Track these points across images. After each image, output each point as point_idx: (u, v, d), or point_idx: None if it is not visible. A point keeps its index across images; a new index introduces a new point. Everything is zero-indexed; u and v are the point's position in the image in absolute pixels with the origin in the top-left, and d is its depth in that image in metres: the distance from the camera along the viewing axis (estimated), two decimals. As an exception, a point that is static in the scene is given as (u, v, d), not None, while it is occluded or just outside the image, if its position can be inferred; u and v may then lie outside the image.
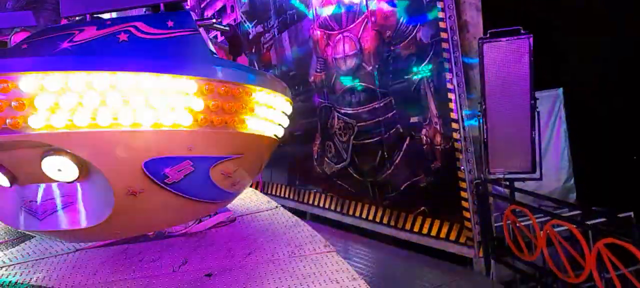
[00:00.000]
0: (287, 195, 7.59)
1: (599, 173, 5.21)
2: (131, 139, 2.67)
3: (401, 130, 5.12)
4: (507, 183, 4.01)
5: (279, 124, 3.44)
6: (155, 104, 2.65)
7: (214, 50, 3.12)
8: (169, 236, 3.61)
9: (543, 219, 3.75)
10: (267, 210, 4.15)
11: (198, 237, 3.60)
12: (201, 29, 2.99)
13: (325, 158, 6.49)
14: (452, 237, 4.66)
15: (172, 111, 2.71)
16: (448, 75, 4.42)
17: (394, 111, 5.18)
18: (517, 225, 3.85)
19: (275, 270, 2.98)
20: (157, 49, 2.74)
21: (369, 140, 5.63)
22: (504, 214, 3.98)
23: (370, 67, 5.38)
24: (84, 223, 2.94)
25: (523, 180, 3.92)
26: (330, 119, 6.25)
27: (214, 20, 3.32)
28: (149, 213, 3.07)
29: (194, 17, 2.99)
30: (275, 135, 3.44)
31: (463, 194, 4.48)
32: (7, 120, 2.47)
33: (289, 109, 3.54)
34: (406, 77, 4.91)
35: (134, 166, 2.74)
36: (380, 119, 5.39)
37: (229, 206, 3.96)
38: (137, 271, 3.10)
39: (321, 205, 6.71)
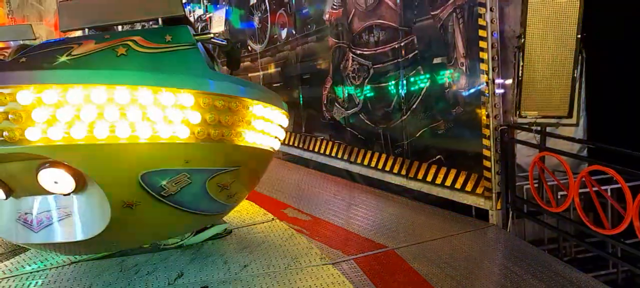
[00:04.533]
0: (291, 143, 7.29)
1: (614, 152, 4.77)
2: (128, 151, 2.66)
3: (422, 73, 4.77)
4: (538, 128, 3.70)
5: (275, 137, 3.44)
6: (153, 117, 2.63)
7: (212, 64, 3.11)
8: (164, 248, 3.57)
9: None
10: (263, 223, 4.15)
11: (194, 249, 3.59)
12: (199, 43, 2.98)
13: (336, 104, 6.16)
14: (469, 187, 4.37)
15: (169, 124, 2.69)
16: (481, 10, 4.04)
17: (416, 51, 4.82)
18: (545, 172, 3.56)
19: (271, 283, 2.99)
20: (155, 62, 2.73)
21: (384, 83, 5.29)
22: (532, 161, 3.68)
23: (393, 3, 4.99)
24: (79, 236, 2.94)
25: (557, 125, 3.60)
26: (343, 61, 5.89)
27: (212, 35, 3.32)
28: (145, 225, 3.10)
29: (192, 32, 2.97)
30: (271, 148, 3.44)
31: (485, 142, 4.17)
32: (4, 133, 2.44)
33: (285, 122, 3.54)
34: (433, 13, 4.53)
35: (130, 178, 2.74)
36: (399, 60, 5.03)
37: (225, 218, 3.91)
38: (133, 284, 3.10)
39: (327, 153, 6.43)
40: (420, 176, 4.89)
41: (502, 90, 4.07)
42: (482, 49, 4.08)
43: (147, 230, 3.28)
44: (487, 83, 4.07)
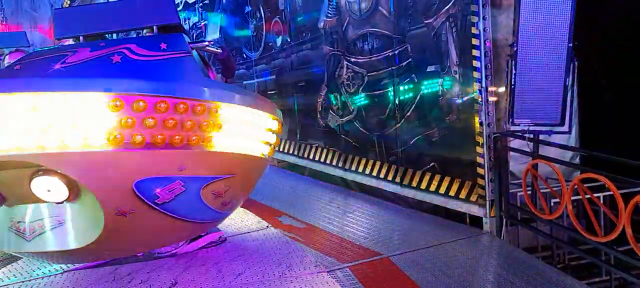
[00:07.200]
0: (286, 150, 7.29)
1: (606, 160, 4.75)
2: (122, 159, 2.65)
3: (416, 81, 4.80)
4: (531, 136, 3.72)
5: (267, 143, 3.47)
6: (147, 125, 2.62)
7: (206, 71, 3.12)
8: (158, 257, 3.56)
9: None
10: (257, 230, 4.14)
11: (188, 257, 3.57)
12: (194, 51, 3.00)
13: (330, 111, 6.18)
14: (462, 195, 4.39)
15: (163, 131, 2.68)
16: (474, 19, 4.07)
17: (410, 60, 4.85)
18: (539, 180, 3.58)
19: (266, 291, 2.96)
20: (150, 70, 2.73)
21: (378, 91, 5.31)
22: (525, 169, 3.70)
23: (387, 11, 5.03)
24: (72, 244, 2.92)
25: (549, 133, 3.63)
26: (338, 69, 5.92)
27: (207, 43, 3.32)
28: (139, 233, 3.09)
29: (187, 39, 2.98)
30: (263, 155, 3.47)
31: (478, 149, 4.19)
32: None
33: (277, 129, 3.56)
34: (426, 21, 4.56)
35: (124, 186, 2.72)
36: (393, 68, 5.05)
37: (219, 226, 3.91)
38: (126, 292, 3.07)
39: (322, 160, 6.43)
40: (414, 183, 4.91)
41: (495, 98, 4.10)
42: (475, 57, 4.10)
43: (141, 239, 3.26)
44: (480, 91, 4.09)
